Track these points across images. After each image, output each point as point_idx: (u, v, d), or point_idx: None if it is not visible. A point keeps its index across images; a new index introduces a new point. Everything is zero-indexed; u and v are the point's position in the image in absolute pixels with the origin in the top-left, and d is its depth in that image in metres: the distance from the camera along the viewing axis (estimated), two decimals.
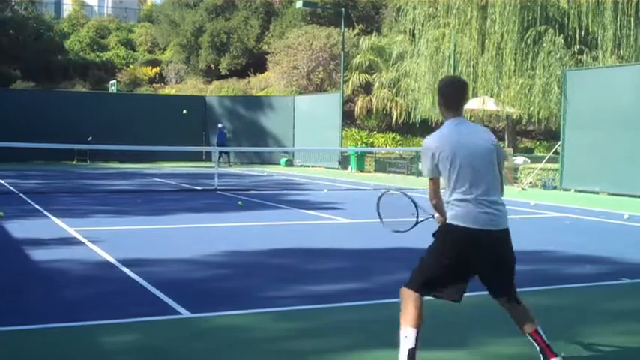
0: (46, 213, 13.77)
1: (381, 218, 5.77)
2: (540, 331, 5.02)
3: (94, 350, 5.39)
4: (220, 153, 30.36)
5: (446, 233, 4.92)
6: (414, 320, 4.76)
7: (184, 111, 35.60)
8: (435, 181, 4.98)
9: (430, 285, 4.94)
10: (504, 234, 4.98)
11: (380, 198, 5.83)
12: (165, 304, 6.67)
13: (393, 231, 5.68)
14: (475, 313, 6.50)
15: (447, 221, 4.89)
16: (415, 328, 4.74)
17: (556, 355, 4.92)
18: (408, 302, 4.83)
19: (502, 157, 5.05)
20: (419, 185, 23.73)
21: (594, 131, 20.78)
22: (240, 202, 16.38)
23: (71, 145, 26.72)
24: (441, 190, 5.03)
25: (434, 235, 5.01)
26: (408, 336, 4.70)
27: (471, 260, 4.91)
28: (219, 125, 35.42)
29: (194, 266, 8.71)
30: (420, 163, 29.42)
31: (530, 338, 5.03)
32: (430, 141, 4.93)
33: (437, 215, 5.12)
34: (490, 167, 4.89)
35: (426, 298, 4.97)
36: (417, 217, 5.50)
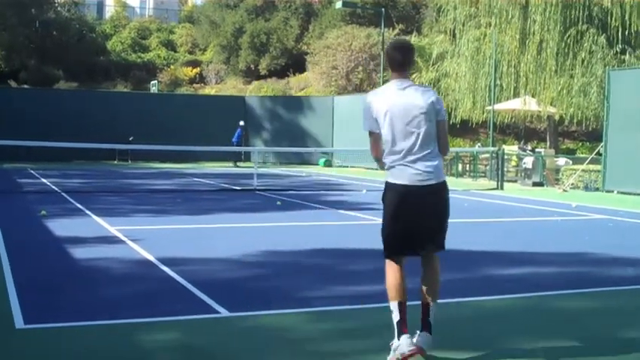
0: (88, 212, 13.92)
1: None
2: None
3: (133, 349, 5.43)
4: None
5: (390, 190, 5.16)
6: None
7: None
8: (374, 136, 5.20)
9: (392, 247, 5.18)
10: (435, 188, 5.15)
11: None
12: (204, 304, 6.71)
13: None
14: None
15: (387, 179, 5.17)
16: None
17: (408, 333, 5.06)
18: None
19: (443, 117, 5.18)
20: (457, 186, 23.61)
21: (638, 132, 20.44)
22: (279, 202, 16.41)
23: (112, 145, 27.01)
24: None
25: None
26: (392, 310, 5.08)
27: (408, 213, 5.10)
28: (241, 123, 35.15)
29: (233, 266, 8.75)
30: (459, 164, 29.26)
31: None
32: (370, 95, 5.23)
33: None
34: (423, 126, 5.05)
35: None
36: None
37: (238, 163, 34.12)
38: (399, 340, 4.94)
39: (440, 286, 5.34)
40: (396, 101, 5.03)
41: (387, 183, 5.17)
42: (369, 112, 5.11)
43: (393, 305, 5.05)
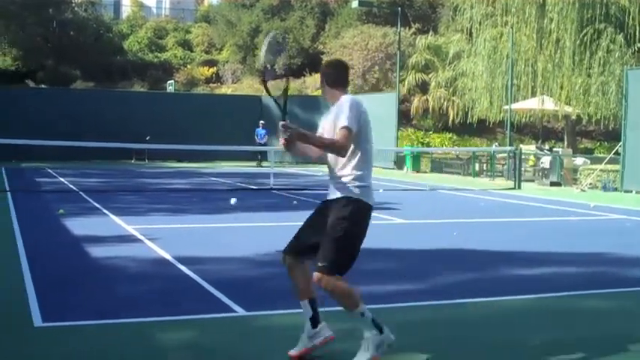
0: (105, 211, 13.98)
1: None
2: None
3: (149, 346, 5.45)
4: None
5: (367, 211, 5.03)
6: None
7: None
8: (352, 135, 4.89)
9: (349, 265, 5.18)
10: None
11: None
12: (221, 302, 6.71)
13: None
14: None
15: (361, 198, 4.97)
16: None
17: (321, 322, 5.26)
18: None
19: None
20: (474, 186, 23.55)
21: None
22: (295, 202, 16.41)
23: (130, 145, 27.08)
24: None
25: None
26: (364, 312, 4.98)
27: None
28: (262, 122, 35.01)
29: (249, 265, 8.75)
30: (477, 163, 29.17)
31: (308, 304, 5.23)
32: (359, 100, 5.04)
33: (282, 139, 5.07)
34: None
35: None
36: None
37: (262, 163, 34.00)
38: (382, 333, 4.99)
39: None
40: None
41: (363, 202, 5.00)
42: (360, 113, 4.93)
43: (364, 308, 5.02)
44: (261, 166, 32.89)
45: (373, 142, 5.11)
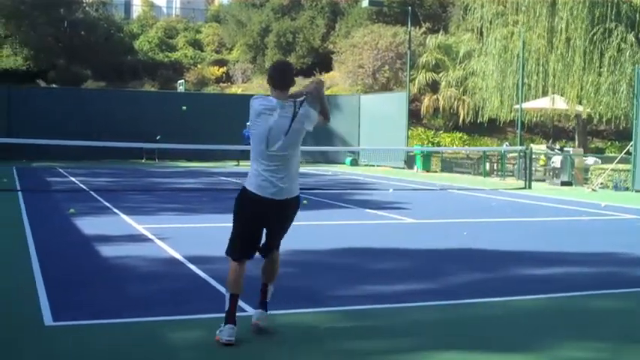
0: (116, 210, 14.01)
1: None
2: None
3: (160, 346, 5.46)
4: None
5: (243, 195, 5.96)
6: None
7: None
8: None
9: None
10: None
11: None
12: None
13: None
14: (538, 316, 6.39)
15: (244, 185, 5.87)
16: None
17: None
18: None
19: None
20: (485, 186, 23.50)
21: None
22: (305, 201, 16.39)
23: (140, 144, 27.14)
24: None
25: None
26: (227, 301, 5.59)
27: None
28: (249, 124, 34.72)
29: (259, 264, 8.74)
30: (487, 163, 29.10)
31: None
32: None
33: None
34: None
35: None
36: None
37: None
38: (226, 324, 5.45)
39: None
40: None
41: (244, 188, 5.93)
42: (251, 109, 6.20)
43: (228, 296, 5.57)
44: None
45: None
